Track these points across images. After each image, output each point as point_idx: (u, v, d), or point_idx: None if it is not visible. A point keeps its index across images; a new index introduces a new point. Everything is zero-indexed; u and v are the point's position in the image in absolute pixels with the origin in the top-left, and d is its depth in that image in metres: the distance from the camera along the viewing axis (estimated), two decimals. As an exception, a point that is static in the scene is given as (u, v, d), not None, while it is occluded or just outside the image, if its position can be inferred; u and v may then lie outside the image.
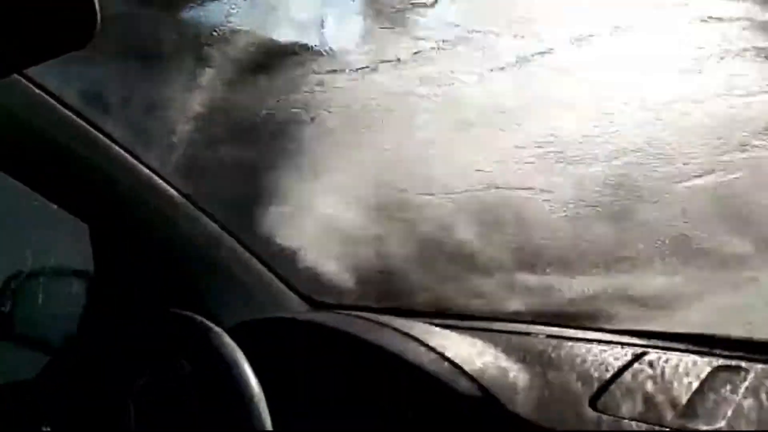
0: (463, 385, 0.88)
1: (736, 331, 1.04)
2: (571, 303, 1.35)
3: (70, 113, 1.11)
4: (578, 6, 1.64)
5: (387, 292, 1.38)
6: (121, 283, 1.20)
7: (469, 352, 0.96)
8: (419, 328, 1.02)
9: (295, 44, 1.64)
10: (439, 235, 1.49)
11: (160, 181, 1.22)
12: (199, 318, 0.80)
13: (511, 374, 0.92)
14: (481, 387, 0.88)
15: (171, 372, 0.83)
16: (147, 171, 1.20)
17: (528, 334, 1.10)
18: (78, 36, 0.51)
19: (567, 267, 1.49)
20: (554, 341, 1.04)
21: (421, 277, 1.42)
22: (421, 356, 0.92)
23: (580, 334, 1.09)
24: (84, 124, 1.14)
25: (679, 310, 1.34)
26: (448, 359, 0.92)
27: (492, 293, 1.38)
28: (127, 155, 1.18)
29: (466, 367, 0.90)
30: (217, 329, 0.78)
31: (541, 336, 1.08)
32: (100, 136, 1.15)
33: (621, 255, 1.48)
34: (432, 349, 0.94)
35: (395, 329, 0.99)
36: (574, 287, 1.42)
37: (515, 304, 1.31)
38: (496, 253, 1.47)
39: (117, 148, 1.15)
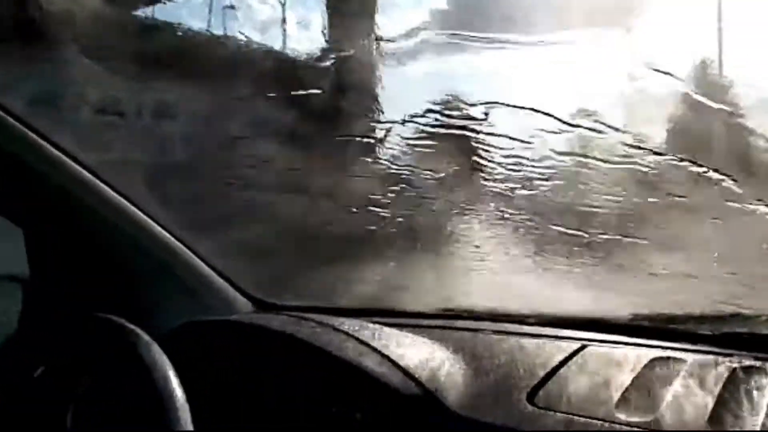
0: (402, 383, 0.88)
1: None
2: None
3: (3, 113, 1.07)
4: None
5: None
6: (59, 288, 1.17)
7: (411, 351, 0.96)
8: (362, 328, 1.01)
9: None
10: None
11: (100, 184, 1.19)
12: (128, 325, 0.78)
13: (452, 370, 0.92)
14: (420, 384, 0.87)
15: (99, 381, 0.81)
16: (86, 173, 1.17)
17: (475, 330, 1.09)
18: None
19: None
20: (498, 336, 1.04)
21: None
22: (362, 356, 0.91)
23: (524, 329, 1.09)
24: (18, 124, 1.10)
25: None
26: (387, 358, 0.91)
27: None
28: (63, 156, 1.14)
29: (406, 365, 0.90)
30: (145, 337, 0.76)
31: (487, 332, 1.08)
32: (35, 136, 1.12)
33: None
34: (372, 348, 0.93)
35: (337, 329, 0.98)
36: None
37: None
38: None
39: (52, 148, 1.12)
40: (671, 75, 1.68)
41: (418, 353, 0.95)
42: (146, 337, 0.75)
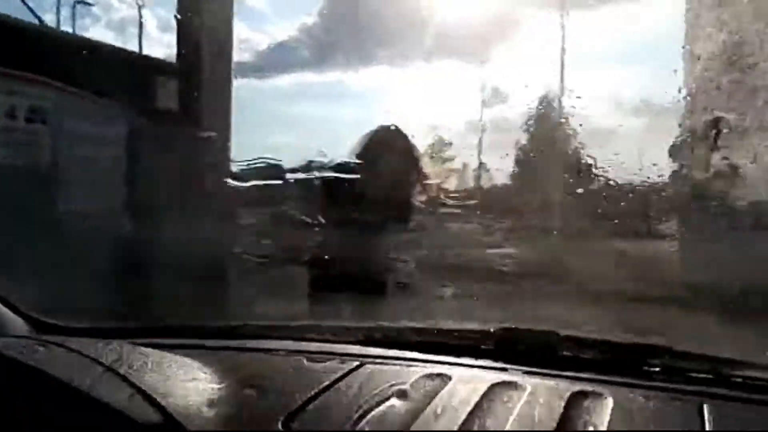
0: (144, 411, 0.81)
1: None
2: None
3: None
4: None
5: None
6: None
7: (169, 376, 0.89)
8: (126, 352, 0.93)
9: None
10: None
11: None
12: None
13: (205, 395, 0.86)
14: (164, 411, 0.81)
15: None
16: None
17: (257, 350, 1.05)
18: None
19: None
20: (275, 356, 1.00)
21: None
22: (103, 383, 0.83)
23: (309, 346, 1.05)
24: None
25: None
26: (134, 385, 0.84)
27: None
28: None
29: (152, 392, 0.83)
30: None
31: (270, 350, 1.03)
32: None
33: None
34: (119, 375, 0.85)
35: (86, 355, 0.89)
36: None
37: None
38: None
39: None
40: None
41: (176, 378, 0.89)
42: None
